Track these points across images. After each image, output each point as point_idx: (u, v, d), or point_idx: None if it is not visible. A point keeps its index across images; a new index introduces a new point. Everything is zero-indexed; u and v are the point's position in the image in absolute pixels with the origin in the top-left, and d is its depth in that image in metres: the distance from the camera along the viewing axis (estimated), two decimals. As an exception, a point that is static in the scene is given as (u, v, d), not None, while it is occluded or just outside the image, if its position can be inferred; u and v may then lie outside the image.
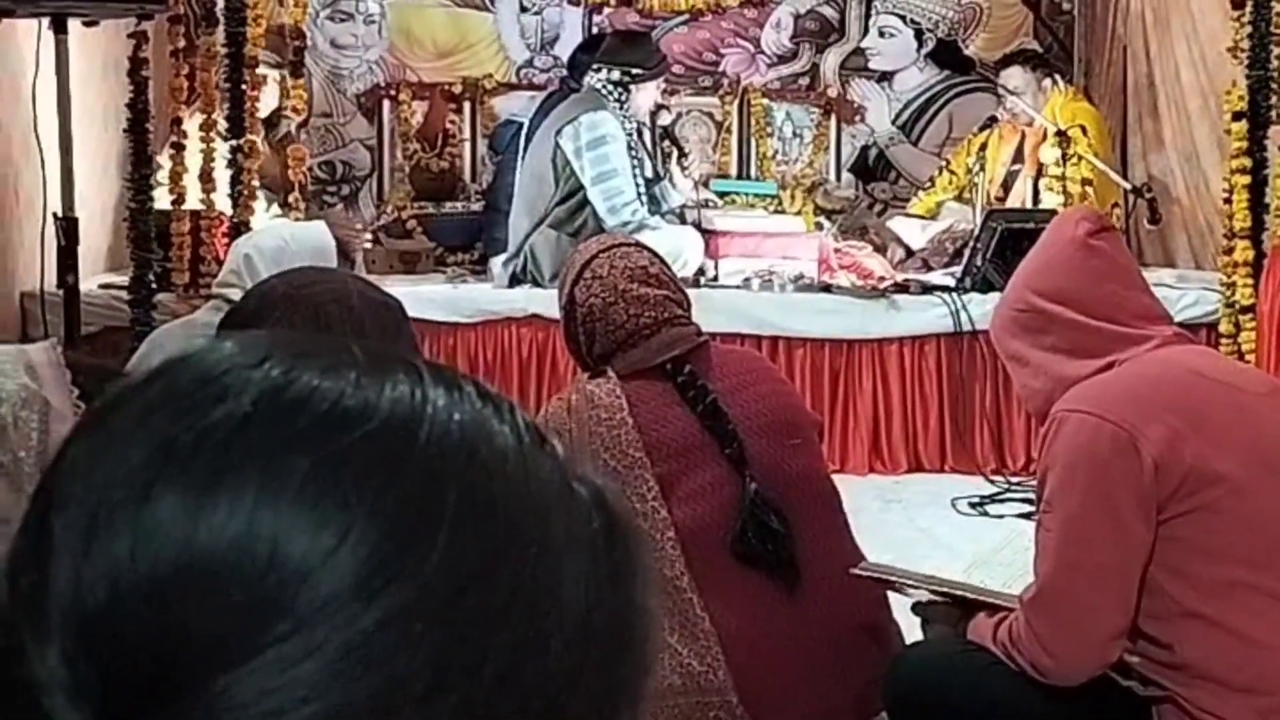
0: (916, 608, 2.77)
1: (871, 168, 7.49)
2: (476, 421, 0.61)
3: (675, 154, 6.37)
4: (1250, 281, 5.31)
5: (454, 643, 0.57)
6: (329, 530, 0.56)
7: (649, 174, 6.21)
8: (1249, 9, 5.25)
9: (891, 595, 2.84)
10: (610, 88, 6.00)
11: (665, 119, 6.41)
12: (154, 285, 5.31)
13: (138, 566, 0.56)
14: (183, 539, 0.56)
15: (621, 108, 5.99)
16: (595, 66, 6.07)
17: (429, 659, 0.57)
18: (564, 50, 7.11)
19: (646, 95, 6.10)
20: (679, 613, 2.66)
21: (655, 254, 2.99)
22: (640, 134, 6.25)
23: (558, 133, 5.88)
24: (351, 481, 0.57)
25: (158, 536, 0.56)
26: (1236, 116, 5.32)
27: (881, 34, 7.47)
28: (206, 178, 5.44)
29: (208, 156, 5.43)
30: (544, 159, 5.91)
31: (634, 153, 5.96)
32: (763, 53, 7.48)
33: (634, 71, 6.02)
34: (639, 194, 5.91)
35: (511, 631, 0.59)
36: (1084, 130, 6.08)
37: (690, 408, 2.79)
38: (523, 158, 6.19)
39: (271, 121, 6.09)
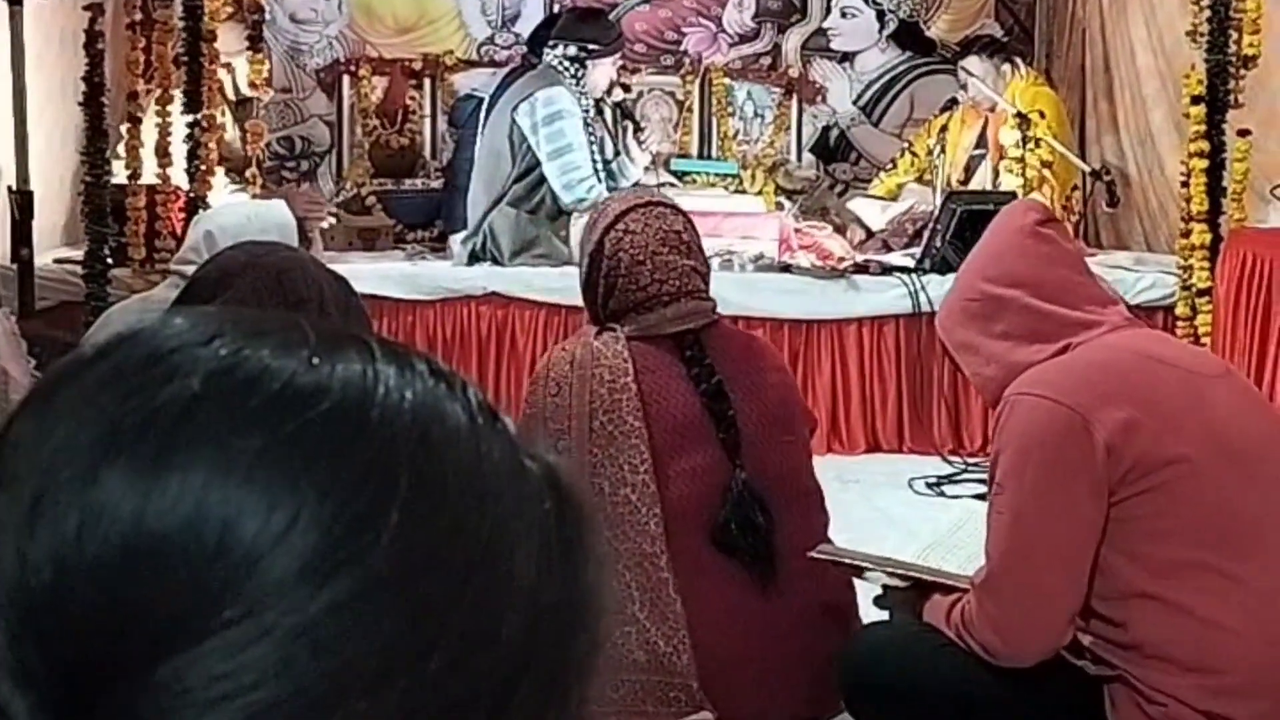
0: (878, 600, 2.77)
1: (833, 148, 7.50)
2: (429, 400, 0.61)
3: (631, 128, 6.36)
4: (1207, 265, 5.35)
5: (405, 627, 0.57)
6: (279, 513, 0.56)
7: (609, 152, 6.20)
8: (1209, -7, 5.28)
9: (860, 596, 2.83)
10: (566, 64, 5.99)
11: (619, 95, 6.39)
12: (109, 260, 5.27)
13: (84, 547, 0.55)
14: (130, 520, 0.55)
15: (578, 84, 5.98)
16: (551, 43, 6.06)
17: (380, 643, 0.56)
18: (526, 27, 7.08)
19: (603, 71, 6.09)
20: (652, 589, 2.65)
21: (689, 219, 2.94)
22: (600, 111, 6.24)
23: (514, 109, 5.86)
24: (302, 463, 0.57)
25: (105, 517, 0.56)
26: (1195, 101, 5.35)
27: (843, 14, 7.47)
28: (163, 152, 5.40)
29: (164, 131, 5.39)
30: (501, 136, 5.90)
31: (590, 129, 5.95)
32: (724, 32, 7.47)
33: (590, 47, 6.01)
34: (596, 170, 5.89)
35: (462, 614, 0.58)
36: (1042, 114, 6.11)
37: (694, 384, 2.77)
38: (482, 134, 6.17)
39: (241, 102, 6.07)
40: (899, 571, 2.67)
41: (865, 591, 2.82)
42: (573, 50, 5.99)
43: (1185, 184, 5.46)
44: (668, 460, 2.72)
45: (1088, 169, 6.34)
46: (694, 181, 7.01)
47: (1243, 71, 5.30)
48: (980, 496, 4.74)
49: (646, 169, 6.36)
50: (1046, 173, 6.13)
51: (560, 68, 5.98)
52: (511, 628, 0.59)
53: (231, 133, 5.87)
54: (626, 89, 6.70)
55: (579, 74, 5.98)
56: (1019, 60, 6.60)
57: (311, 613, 0.55)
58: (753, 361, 2.86)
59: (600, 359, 2.74)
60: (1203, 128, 5.34)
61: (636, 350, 2.76)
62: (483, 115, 6.30)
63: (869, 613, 2.84)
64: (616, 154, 6.27)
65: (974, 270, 2.61)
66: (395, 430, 0.59)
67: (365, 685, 0.56)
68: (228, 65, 5.89)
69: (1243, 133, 5.34)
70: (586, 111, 5.97)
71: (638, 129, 6.41)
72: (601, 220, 2.87)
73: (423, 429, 0.60)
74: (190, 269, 3.30)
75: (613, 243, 2.81)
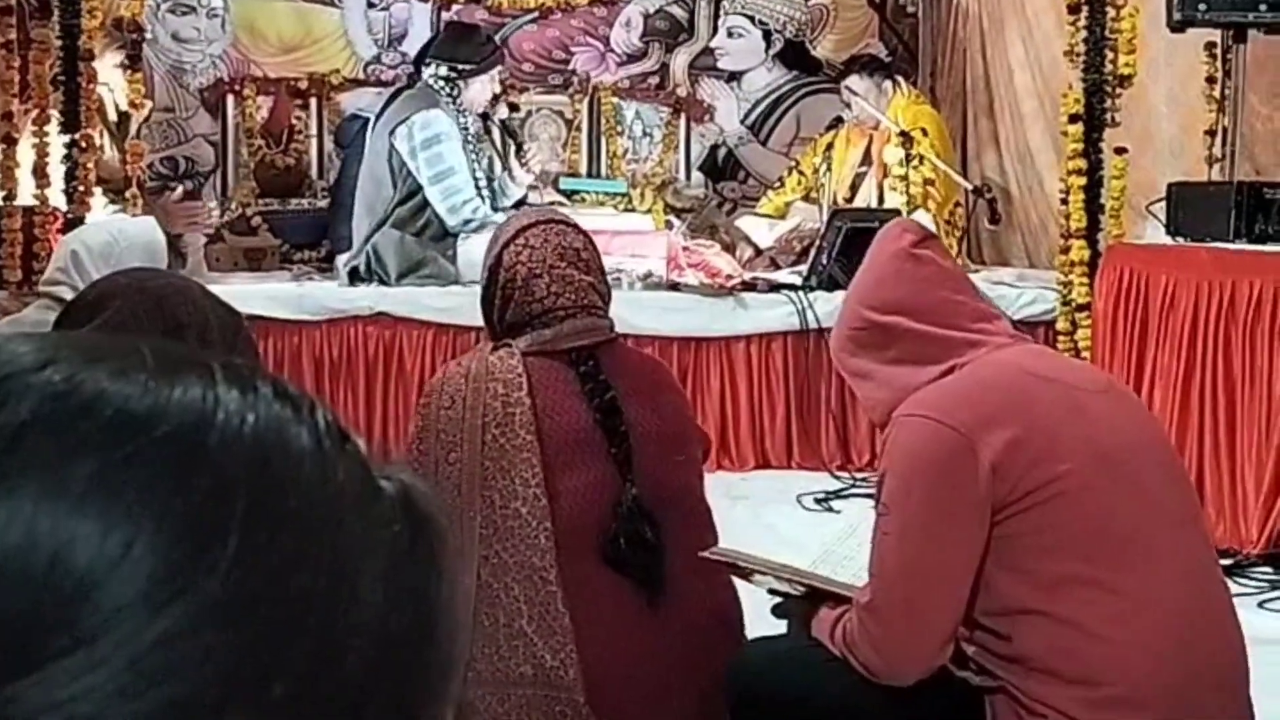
0: (776, 610, 2.77)
1: (721, 167, 7.55)
2: (271, 424, 0.60)
3: (513, 147, 6.35)
4: (1086, 280, 5.45)
5: (245, 655, 0.56)
6: (112, 540, 0.55)
7: (497, 170, 6.19)
8: (1084, 14, 5.38)
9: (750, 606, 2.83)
10: (440, 83, 5.97)
11: (502, 113, 6.38)
12: (-14, 283, 5.17)
13: None
14: None
15: (454, 103, 5.95)
16: (426, 62, 6.04)
17: (219, 672, 0.55)
18: (412, 46, 7.06)
19: (479, 88, 6.06)
20: (540, 604, 2.64)
21: (589, 239, 2.95)
22: (487, 128, 6.22)
23: (391, 133, 5.83)
24: (136, 489, 0.55)
25: None
26: (1073, 119, 5.45)
27: (730, 34, 7.53)
28: (40, 173, 5.31)
29: (41, 151, 5.30)
30: (380, 161, 5.86)
31: (470, 149, 5.93)
32: (612, 51, 7.50)
33: (460, 67, 5.99)
34: (479, 190, 5.87)
35: (306, 641, 0.57)
36: (924, 132, 6.19)
37: (588, 400, 2.76)
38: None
39: (122, 121, 5.98)
40: (792, 578, 2.67)
41: (756, 601, 2.83)
42: (444, 70, 5.97)
43: (1064, 201, 5.56)
44: (559, 475, 2.71)
45: (970, 186, 6.44)
46: (583, 200, 7.02)
47: (1119, 90, 5.41)
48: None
49: (531, 188, 6.35)
50: (930, 190, 6.21)
51: (436, 87, 5.96)
52: (358, 654, 0.58)
53: (110, 152, 5.78)
54: (515, 108, 6.70)
55: (454, 93, 5.96)
56: (900, 79, 6.69)
57: (147, 641, 0.54)
58: (648, 380, 2.87)
59: (494, 373, 2.74)
60: (1080, 146, 5.45)
61: (531, 366, 2.76)
62: (368, 135, 6.26)
63: (765, 621, 2.85)
64: (504, 171, 6.25)
65: (856, 299, 2.61)
66: (234, 455, 0.58)
67: (204, 715, 0.55)
68: (106, 84, 5.80)
69: (1119, 150, 5.45)
70: (465, 130, 5.94)
71: (519, 148, 6.39)
72: (503, 235, 2.88)
73: (263, 454, 0.58)
74: (58, 289, 3.25)
75: (511, 256, 2.82)
